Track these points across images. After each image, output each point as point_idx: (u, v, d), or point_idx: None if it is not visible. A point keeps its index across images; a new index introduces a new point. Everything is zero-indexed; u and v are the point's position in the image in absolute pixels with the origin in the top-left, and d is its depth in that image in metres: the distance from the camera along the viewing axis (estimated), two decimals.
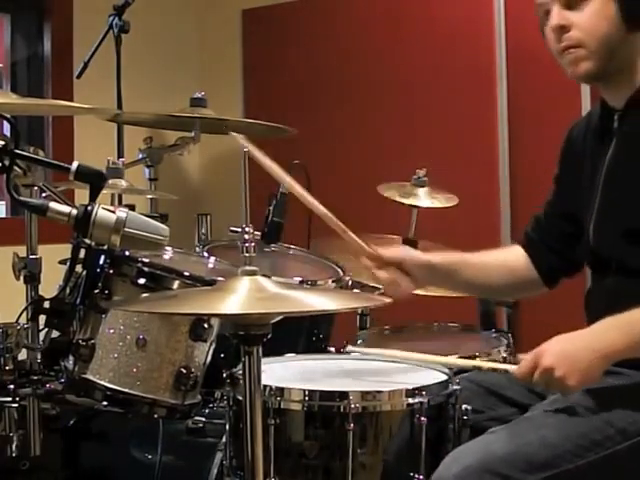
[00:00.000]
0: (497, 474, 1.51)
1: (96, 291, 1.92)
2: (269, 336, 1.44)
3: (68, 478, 2.22)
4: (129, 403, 1.90)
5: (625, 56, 1.71)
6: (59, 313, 1.90)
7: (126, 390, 1.89)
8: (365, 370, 1.95)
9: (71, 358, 1.92)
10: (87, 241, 1.78)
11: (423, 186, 2.69)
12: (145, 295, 1.86)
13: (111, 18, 3.13)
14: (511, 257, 1.99)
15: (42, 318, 1.95)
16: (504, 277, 1.99)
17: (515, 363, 1.68)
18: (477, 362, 1.82)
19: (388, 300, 1.55)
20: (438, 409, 1.71)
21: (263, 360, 1.46)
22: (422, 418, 1.66)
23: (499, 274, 1.99)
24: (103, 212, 1.63)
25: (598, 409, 1.59)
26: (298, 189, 1.84)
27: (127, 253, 1.92)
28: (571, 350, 1.58)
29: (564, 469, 1.54)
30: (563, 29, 1.71)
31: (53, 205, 1.65)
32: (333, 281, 2.32)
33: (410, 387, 1.69)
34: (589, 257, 1.85)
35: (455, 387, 1.75)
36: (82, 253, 1.89)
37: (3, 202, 3.62)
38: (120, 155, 3.09)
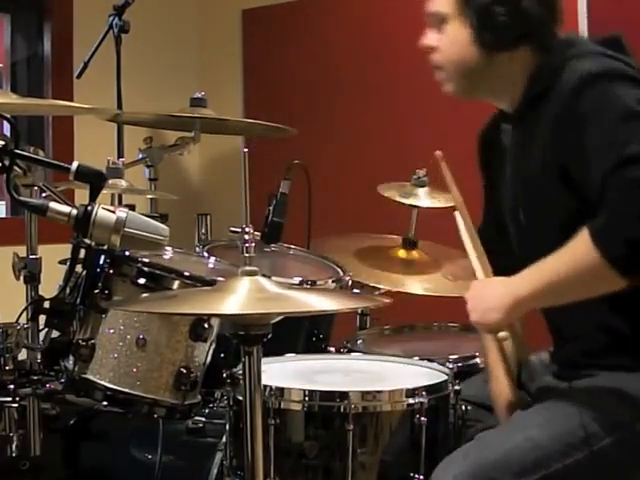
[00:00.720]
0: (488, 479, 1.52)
1: (96, 291, 1.92)
2: (269, 336, 1.44)
3: (68, 478, 2.22)
4: (129, 403, 1.90)
5: (500, 75, 1.71)
6: (59, 313, 1.90)
7: (126, 390, 1.89)
8: (365, 370, 1.95)
9: (71, 358, 1.92)
10: (87, 241, 1.77)
11: (423, 186, 2.69)
12: (145, 295, 1.86)
13: (111, 18, 3.13)
14: None
15: (42, 318, 1.94)
16: None
17: None
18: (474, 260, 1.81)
19: (388, 300, 1.55)
20: (438, 409, 1.71)
21: (263, 360, 1.46)
22: (422, 418, 1.67)
23: None
24: (103, 212, 1.63)
25: (582, 406, 1.59)
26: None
27: (127, 253, 1.92)
28: (480, 291, 1.66)
29: (553, 469, 1.54)
30: (429, 50, 1.76)
31: (53, 205, 1.66)
32: (333, 281, 2.32)
33: (410, 387, 1.69)
34: None
35: (455, 387, 1.76)
36: (82, 253, 1.89)
37: (3, 202, 3.62)
38: (120, 155, 3.09)
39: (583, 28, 3.09)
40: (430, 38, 1.76)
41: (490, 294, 1.63)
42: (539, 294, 1.56)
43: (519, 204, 1.75)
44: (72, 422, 2.24)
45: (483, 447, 1.58)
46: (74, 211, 1.64)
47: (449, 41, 1.72)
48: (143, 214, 1.74)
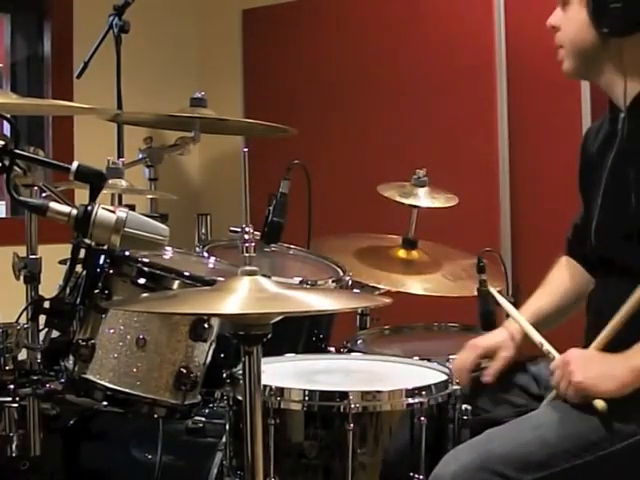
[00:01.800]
0: (494, 472, 1.51)
1: (96, 291, 1.92)
2: (269, 336, 1.44)
3: (68, 478, 2.22)
4: (129, 403, 1.90)
5: (613, 60, 1.72)
6: (59, 313, 1.90)
7: (126, 390, 1.89)
8: (365, 370, 1.95)
9: (71, 358, 1.92)
10: (87, 241, 1.77)
11: (423, 186, 2.69)
12: (145, 295, 1.86)
13: (111, 18, 3.13)
14: (574, 280, 1.98)
15: (42, 318, 1.94)
16: (575, 302, 1.99)
17: None
18: (542, 342, 1.80)
19: (388, 300, 1.55)
20: (438, 409, 1.71)
21: (263, 360, 1.46)
22: (422, 418, 1.66)
23: (573, 305, 2.00)
24: (103, 212, 1.63)
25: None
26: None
27: (127, 253, 1.92)
28: (591, 358, 1.62)
29: (560, 469, 1.54)
30: (554, 29, 1.80)
31: (53, 205, 1.66)
32: (333, 281, 2.32)
33: (410, 387, 1.69)
34: (591, 258, 1.86)
35: (455, 387, 1.76)
36: (82, 253, 1.89)
37: (3, 202, 3.62)
38: (120, 155, 3.09)
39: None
40: (554, 17, 1.81)
41: (598, 362, 1.61)
42: None
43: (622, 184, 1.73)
44: (72, 422, 2.24)
45: (492, 441, 1.58)
46: (74, 211, 1.64)
47: (569, 21, 1.77)
48: (143, 214, 1.74)
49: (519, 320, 1.88)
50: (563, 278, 2.01)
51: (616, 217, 1.74)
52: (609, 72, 1.75)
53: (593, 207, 1.81)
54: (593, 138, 1.90)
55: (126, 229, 1.64)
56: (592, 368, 1.59)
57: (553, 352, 1.73)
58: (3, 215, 3.62)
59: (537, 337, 1.80)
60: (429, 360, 1.96)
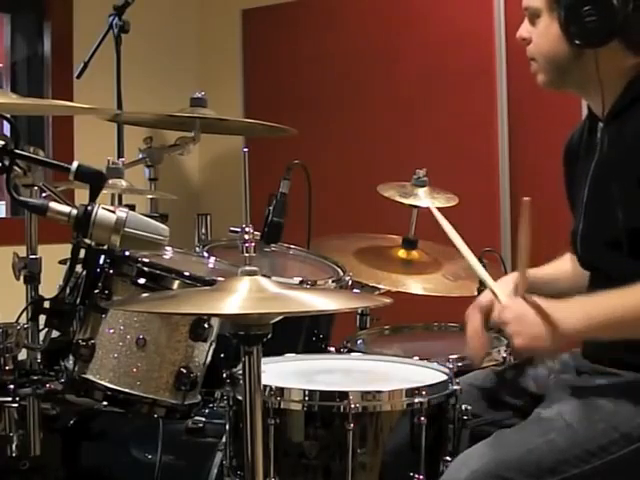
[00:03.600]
0: (505, 479, 1.51)
1: (96, 291, 1.92)
2: (269, 336, 1.44)
3: (68, 478, 2.22)
4: (129, 403, 1.90)
5: (588, 71, 1.70)
6: (59, 313, 1.90)
7: (126, 390, 1.89)
8: (365, 370, 1.95)
9: (71, 358, 1.92)
10: (87, 241, 1.77)
11: (423, 186, 2.69)
12: (145, 295, 1.86)
13: (111, 18, 3.13)
14: (574, 272, 1.98)
15: (42, 318, 1.94)
16: (571, 286, 1.98)
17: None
18: (487, 279, 1.79)
19: (388, 300, 1.55)
20: (438, 409, 1.71)
21: (263, 360, 1.46)
22: (422, 418, 1.66)
23: (566, 284, 1.99)
24: (103, 212, 1.64)
25: (604, 412, 1.59)
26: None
27: (127, 253, 1.92)
28: (529, 315, 1.60)
29: (570, 474, 1.53)
30: (524, 41, 1.79)
31: (53, 205, 1.66)
32: (333, 281, 2.32)
33: (410, 387, 1.69)
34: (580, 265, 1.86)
35: (455, 387, 1.76)
36: (82, 253, 1.89)
37: (3, 202, 3.62)
38: (120, 155, 3.09)
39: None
40: (523, 30, 1.79)
41: (536, 322, 1.59)
42: (592, 330, 1.56)
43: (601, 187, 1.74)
44: (72, 422, 2.24)
45: (501, 446, 1.57)
46: (74, 211, 1.64)
47: (539, 34, 1.75)
48: (143, 214, 1.75)
49: (461, 248, 1.87)
50: (565, 265, 2.01)
51: (599, 227, 1.74)
52: (585, 83, 1.74)
53: (578, 217, 1.81)
54: (576, 145, 1.89)
55: (126, 229, 1.64)
56: (527, 329, 1.59)
57: (500, 296, 1.72)
58: (3, 215, 3.63)
59: (482, 273, 1.79)
60: (429, 360, 1.96)
